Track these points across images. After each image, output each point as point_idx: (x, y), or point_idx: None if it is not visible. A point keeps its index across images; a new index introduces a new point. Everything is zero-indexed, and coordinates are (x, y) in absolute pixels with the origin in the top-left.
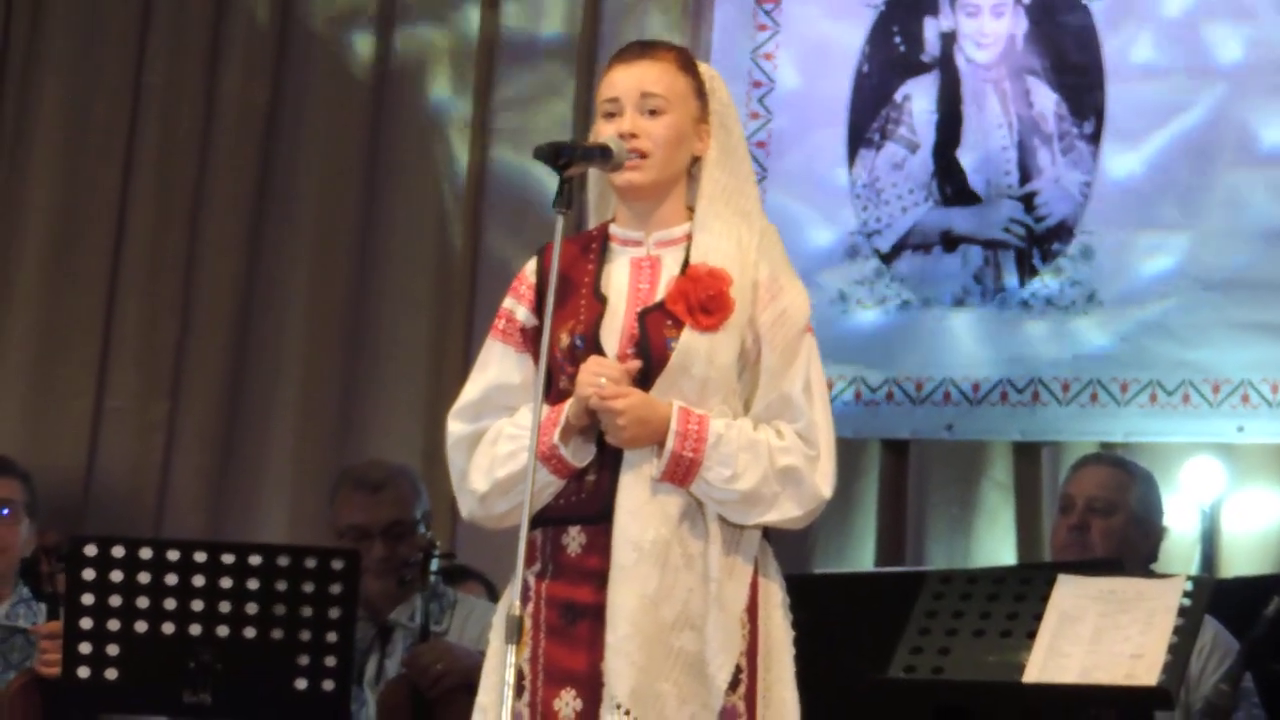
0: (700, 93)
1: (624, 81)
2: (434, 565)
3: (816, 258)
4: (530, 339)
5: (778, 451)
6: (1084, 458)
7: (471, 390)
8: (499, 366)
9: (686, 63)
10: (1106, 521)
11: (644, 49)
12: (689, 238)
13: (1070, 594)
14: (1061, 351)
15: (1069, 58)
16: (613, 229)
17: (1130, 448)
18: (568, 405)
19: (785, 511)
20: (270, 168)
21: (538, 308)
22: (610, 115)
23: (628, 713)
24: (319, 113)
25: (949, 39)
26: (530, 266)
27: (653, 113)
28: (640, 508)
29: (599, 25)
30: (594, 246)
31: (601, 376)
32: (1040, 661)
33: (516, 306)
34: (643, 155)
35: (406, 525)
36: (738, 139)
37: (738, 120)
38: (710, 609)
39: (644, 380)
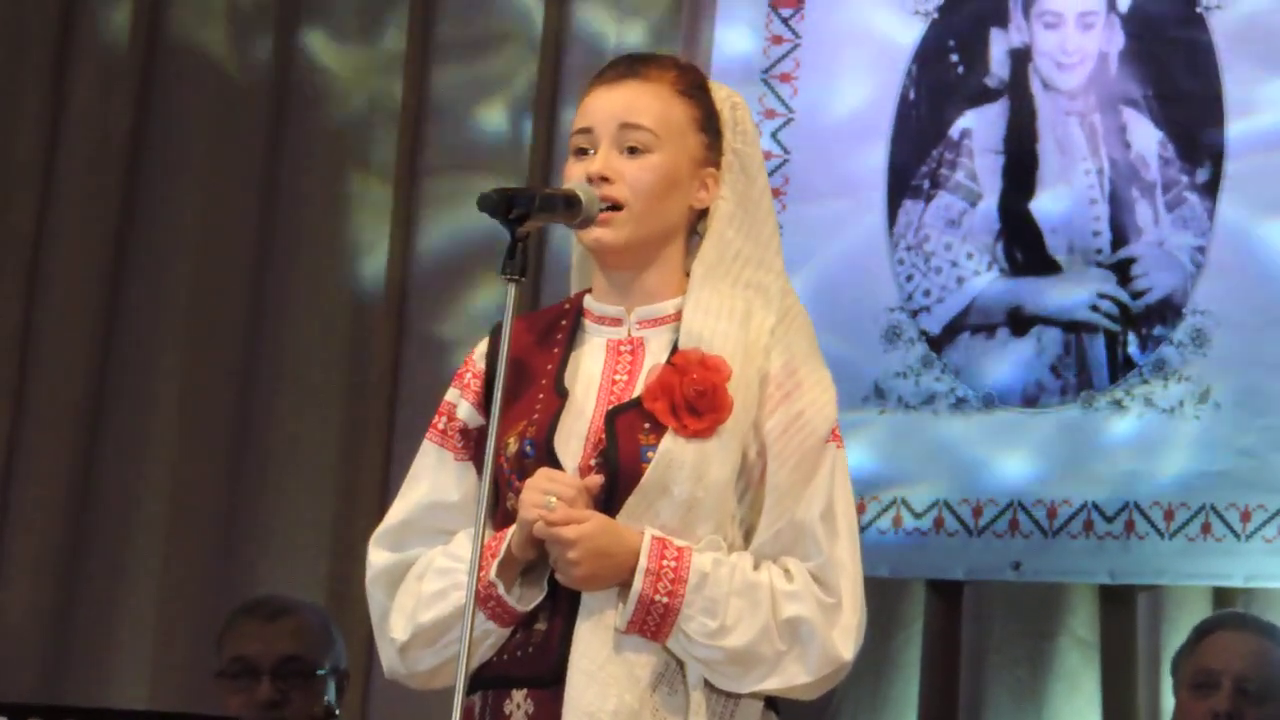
0: (707, 125)
1: (601, 108)
2: None
3: (845, 341)
4: (475, 443)
5: (783, 597)
6: (1222, 618)
7: (399, 509)
8: (433, 479)
9: (691, 85)
10: (1260, 710)
11: (632, 65)
12: (681, 315)
13: None
14: (1165, 468)
15: (1179, 84)
16: (588, 302)
17: (1253, 594)
18: (510, 533)
19: (791, 677)
20: (133, 211)
21: (485, 403)
22: (582, 152)
23: None
24: (198, 140)
25: (1021, 58)
26: (480, 349)
27: (634, 150)
28: (599, 668)
29: (562, 22)
30: (563, 324)
31: (550, 495)
32: None
33: (459, 401)
34: (616, 206)
35: (305, 666)
36: (761, 190)
37: (763, 166)
38: None
39: (611, 501)
